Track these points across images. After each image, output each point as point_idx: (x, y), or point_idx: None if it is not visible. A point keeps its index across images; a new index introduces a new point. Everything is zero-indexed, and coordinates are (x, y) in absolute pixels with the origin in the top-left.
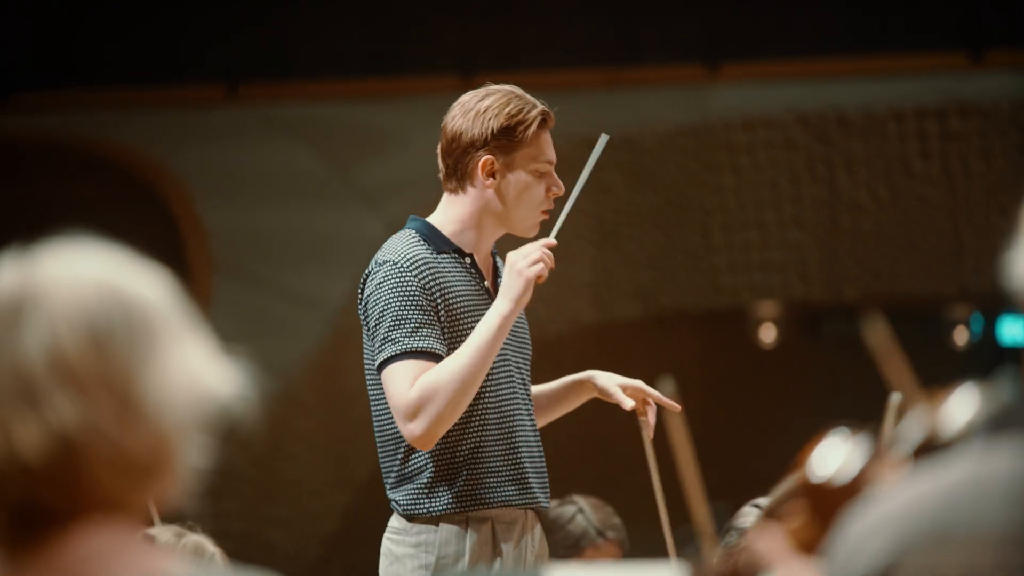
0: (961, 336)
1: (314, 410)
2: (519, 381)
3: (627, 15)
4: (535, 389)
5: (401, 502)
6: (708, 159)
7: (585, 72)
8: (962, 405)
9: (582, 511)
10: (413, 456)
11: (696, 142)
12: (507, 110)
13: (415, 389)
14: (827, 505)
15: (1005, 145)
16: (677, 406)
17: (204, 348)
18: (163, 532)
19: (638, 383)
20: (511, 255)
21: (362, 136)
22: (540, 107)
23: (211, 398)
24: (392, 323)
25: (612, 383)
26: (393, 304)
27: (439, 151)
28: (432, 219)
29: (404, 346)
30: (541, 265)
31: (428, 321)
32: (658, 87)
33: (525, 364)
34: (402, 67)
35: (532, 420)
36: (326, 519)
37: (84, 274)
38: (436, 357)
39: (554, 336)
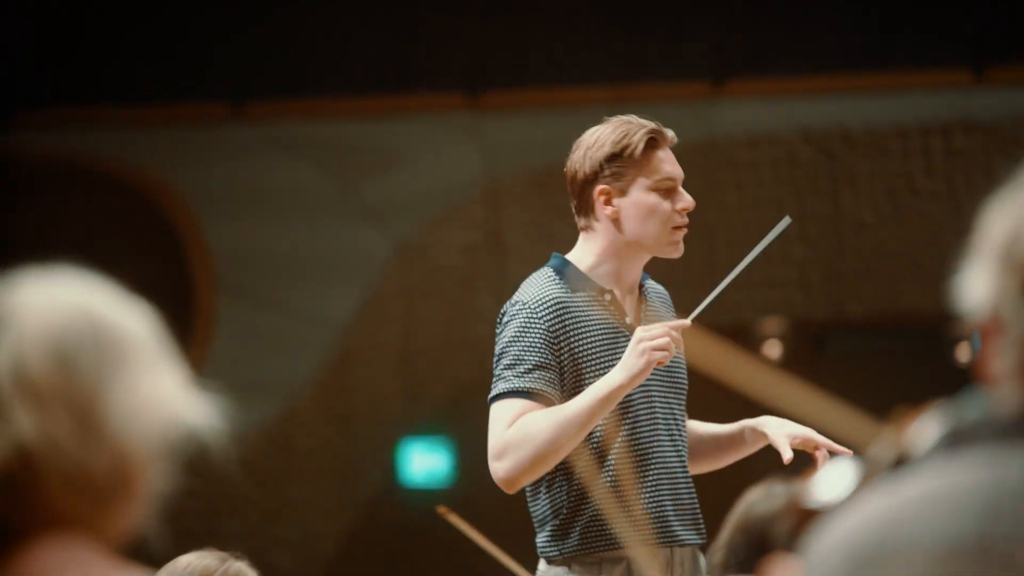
0: (964, 352)
1: (318, 429)
2: (663, 418)
3: (633, 32)
4: (705, 429)
5: (539, 544)
6: (712, 176)
7: (591, 89)
8: (931, 424)
9: None
10: (548, 498)
11: (701, 158)
12: (612, 138)
13: (511, 430)
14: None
15: (1008, 162)
16: (848, 451)
17: (176, 377)
18: (207, 557)
19: (807, 432)
20: (639, 331)
21: (368, 154)
22: (649, 127)
23: (178, 425)
24: (509, 362)
25: (781, 433)
26: (514, 344)
27: (568, 193)
28: (571, 256)
29: (513, 385)
30: (664, 352)
31: (545, 364)
32: (663, 104)
33: (676, 402)
34: (409, 85)
35: (680, 457)
36: (329, 540)
37: (60, 297)
38: (545, 400)
39: None
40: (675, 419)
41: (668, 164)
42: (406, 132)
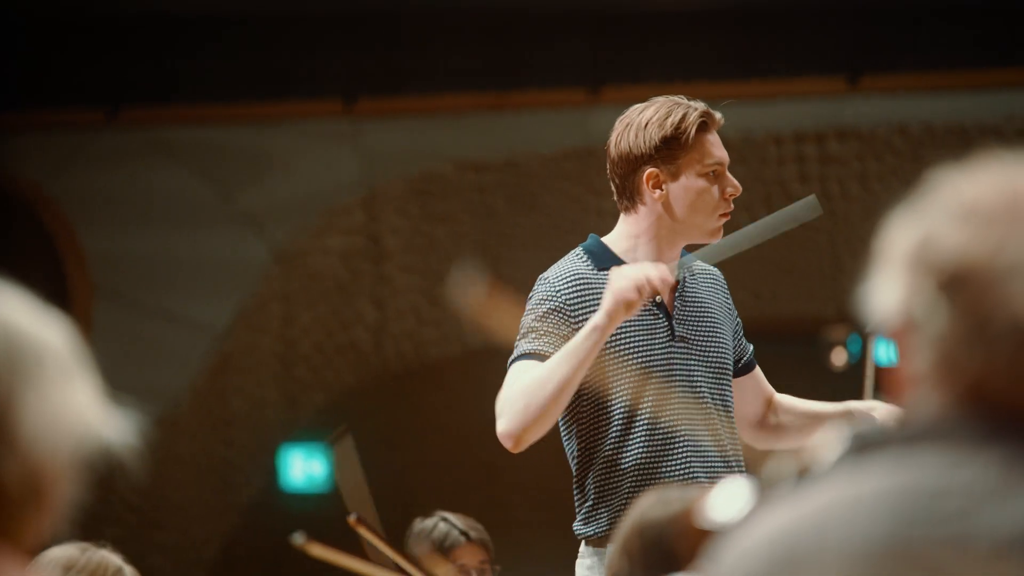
0: (839, 357)
1: (197, 435)
2: (695, 399)
3: (511, 40)
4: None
5: (576, 526)
6: (591, 182)
7: (468, 96)
8: (833, 436)
9: (445, 519)
10: (585, 480)
11: (579, 165)
12: (667, 120)
13: (505, 389)
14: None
15: (881, 169)
16: None
17: (90, 388)
18: (69, 548)
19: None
20: (620, 269)
21: (246, 160)
22: (700, 109)
23: (91, 437)
24: (523, 332)
25: (874, 411)
26: (530, 314)
27: (608, 172)
28: (607, 237)
29: (521, 351)
30: (636, 295)
31: (557, 333)
32: (540, 111)
33: (712, 383)
34: (286, 92)
35: (716, 439)
36: (209, 544)
37: None
38: (545, 359)
39: (441, 359)
40: (711, 400)
41: (718, 148)
42: (284, 138)
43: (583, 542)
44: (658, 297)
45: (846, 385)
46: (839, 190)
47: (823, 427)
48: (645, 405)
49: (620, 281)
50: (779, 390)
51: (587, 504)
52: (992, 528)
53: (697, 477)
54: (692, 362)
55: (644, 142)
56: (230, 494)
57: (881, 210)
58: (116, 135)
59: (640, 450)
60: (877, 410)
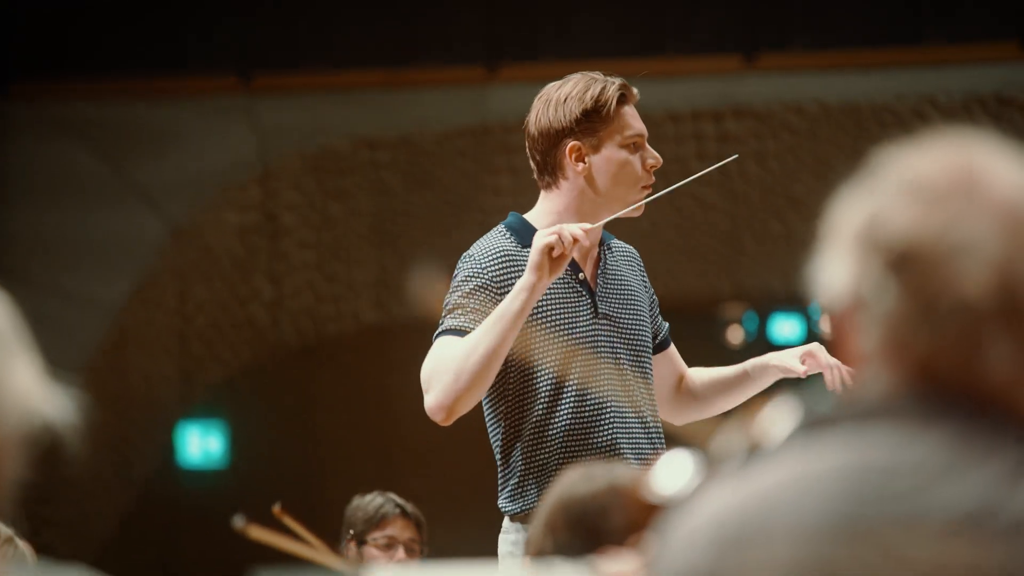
0: (735, 334)
1: (93, 411)
2: (618, 376)
3: (407, 16)
4: (708, 374)
5: (501, 502)
6: (486, 160)
7: (365, 73)
8: (778, 410)
9: (384, 494)
10: (510, 455)
11: (475, 143)
12: (586, 93)
13: (431, 362)
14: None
15: (778, 147)
16: (847, 374)
17: (33, 368)
18: None
19: (813, 347)
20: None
21: (142, 136)
22: (619, 83)
23: (35, 416)
24: (448, 309)
25: (787, 356)
26: (455, 292)
27: (528, 150)
28: (528, 215)
29: (446, 326)
30: (554, 237)
31: (484, 310)
32: (436, 88)
33: (634, 361)
34: (182, 67)
35: (639, 415)
36: (104, 520)
37: None
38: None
39: (335, 335)
40: (633, 376)
41: (637, 121)
42: (180, 114)
43: (507, 518)
44: (581, 274)
45: (742, 362)
46: (736, 168)
47: (737, 390)
48: (571, 380)
49: (540, 235)
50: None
51: (513, 480)
52: (944, 505)
53: (623, 452)
54: (615, 338)
55: (564, 116)
56: (126, 470)
57: (778, 188)
58: (8, 110)
59: (567, 425)
60: (774, 356)
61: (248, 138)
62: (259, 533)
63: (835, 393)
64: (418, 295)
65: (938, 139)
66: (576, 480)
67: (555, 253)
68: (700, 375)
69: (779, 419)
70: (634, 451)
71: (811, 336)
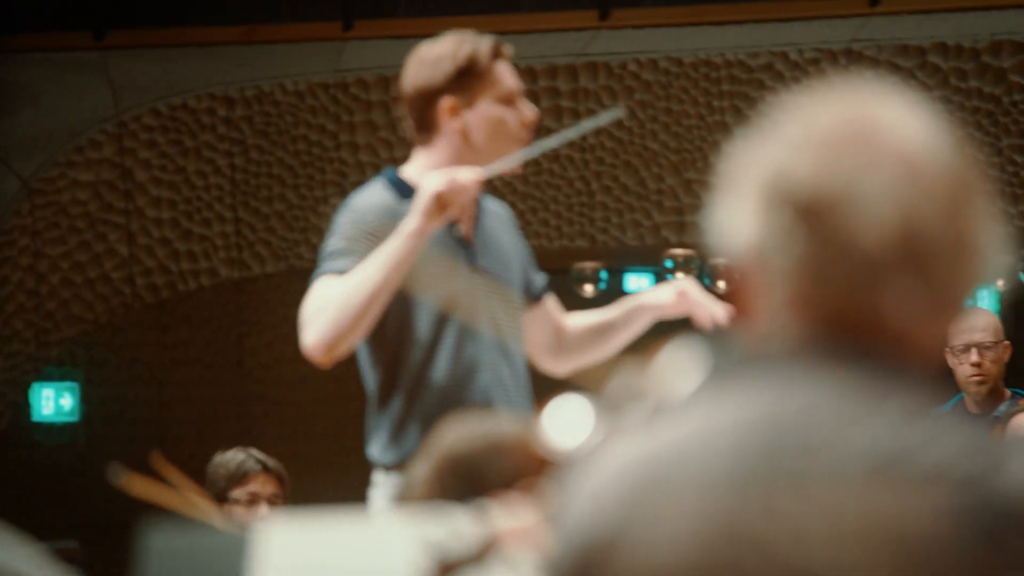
0: (589, 289)
1: None
2: (492, 329)
3: None
4: (583, 321)
5: (373, 453)
6: (343, 116)
7: (221, 29)
8: (679, 360)
9: (244, 450)
10: (385, 406)
11: (331, 99)
12: (459, 51)
13: (312, 301)
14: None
15: (631, 102)
16: (719, 316)
17: None
18: None
19: (684, 286)
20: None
21: None
22: (491, 39)
23: None
24: (329, 253)
25: (659, 295)
26: (338, 238)
27: (404, 110)
28: (403, 170)
29: (328, 268)
30: (446, 183)
31: (365, 254)
32: (295, 44)
33: (507, 315)
34: (35, 23)
35: (513, 368)
36: None
37: None
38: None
39: (193, 291)
40: (506, 331)
41: (510, 76)
42: (34, 71)
43: (379, 470)
44: (457, 228)
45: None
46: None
47: (614, 335)
48: (448, 332)
49: (430, 180)
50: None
51: (387, 429)
52: (861, 453)
53: (496, 404)
54: (490, 294)
55: (439, 74)
56: None
57: (632, 145)
58: None
59: (443, 376)
60: (647, 294)
61: (103, 95)
62: (140, 486)
63: (737, 342)
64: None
65: (836, 90)
66: (460, 430)
67: (446, 199)
68: (577, 323)
69: (682, 369)
70: (507, 403)
71: None
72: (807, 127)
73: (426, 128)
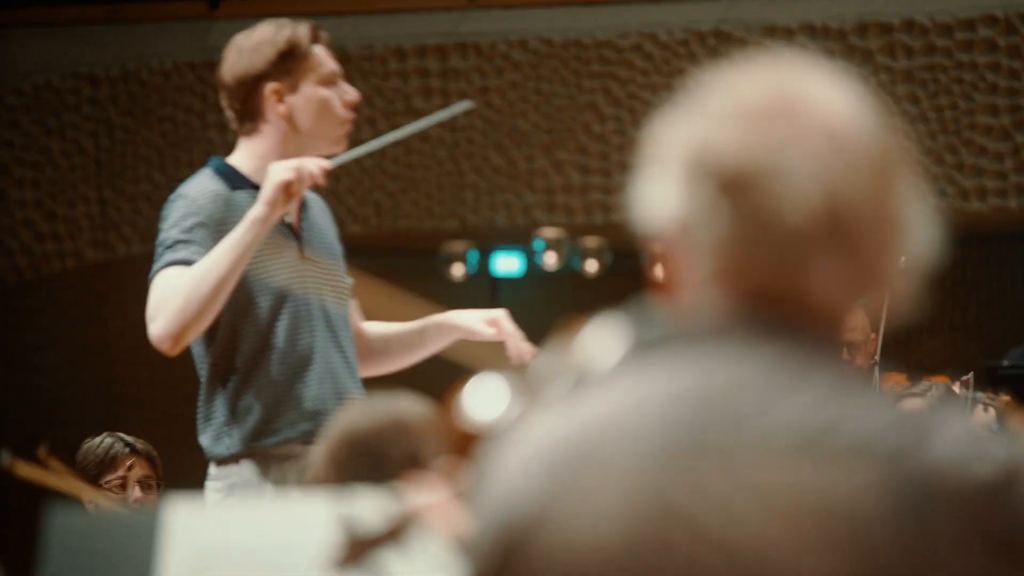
0: (458, 269)
1: None
2: (324, 319)
3: None
4: (388, 328)
5: (205, 445)
6: (210, 96)
7: (85, 8)
8: (602, 335)
9: (113, 434)
10: (212, 396)
11: (198, 79)
12: (278, 36)
13: (157, 291)
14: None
15: (501, 83)
16: (531, 351)
17: None
18: None
19: (498, 315)
20: (275, 164)
21: None
22: (308, 24)
23: None
24: (167, 245)
25: (472, 319)
26: (175, 229)
27: (224, 101)
28: (231, 159)
29: (168, 259)
30: (293, 173)
31: (206, 246)
32: (159, 23)
33: (339, 305)
34: None
35: (345, 358)
36: None
37: None
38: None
39: (57, 272)
40: (338, 321)
41: (329, 59)
42: None
43: (213, 464)
44: (288, 217)
45: (466, 297)
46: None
47: (415, 348)
48: (282, 321)
49: (277, 169)
50: (400, 304)
51: (219, 420)
52: (785, 427)
53: (328, 397)
54: (321, 283)
55: (261, 59)
56: None
57: (502, 125)
58: None
59: (277, 366)
60: (459, 316)
61: None
62: (27, 470)
63: (662, 317)
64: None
65: (759, 64)
66: (358, 412)
67: (293, 189)
68: (376, 330)
69: (606, 344)
70: (339, 393)
71: (532, 269)
72: (731, 101)
73: (251, 116)
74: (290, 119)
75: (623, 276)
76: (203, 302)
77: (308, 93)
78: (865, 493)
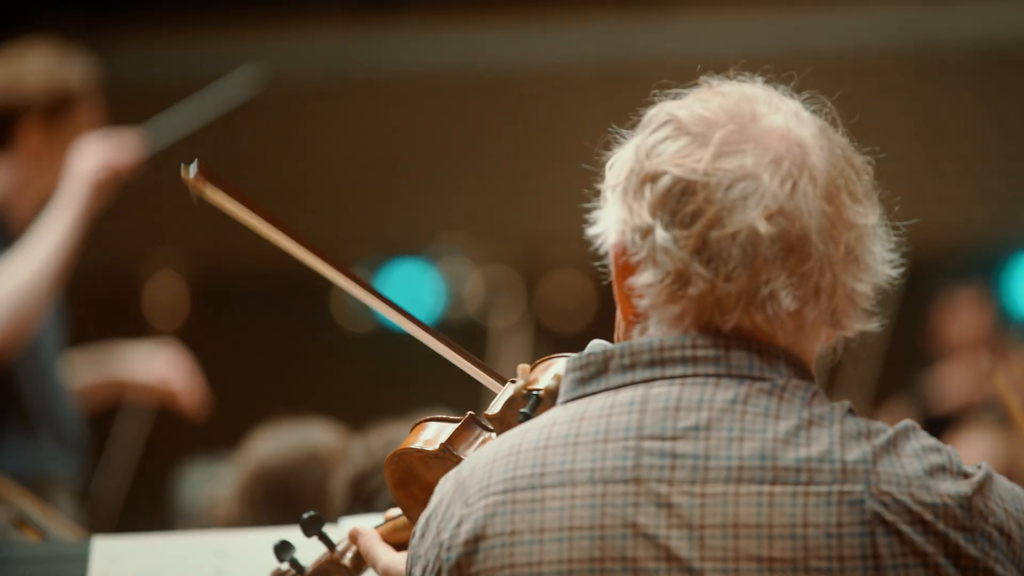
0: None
1: None
2: (54, 350)
3: None
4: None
5: None
6: None
7: None
8: (549, 364)
9: None
10: None
11: None
12: (45, 67)
13: None
14: (427, 477)
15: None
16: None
17: None
18: None
19: (173, 358)
20: (82, 150)
21: None
22: (71, 56)
23: None
24: None
25: (142, 371)
26: None
27: None
28: None
29: None
30: (100, 165)
31: None
32: None
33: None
34: None
35: (64, 381)
36: None
37: None
38: None
39: None
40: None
41: (86, 89)
42: None
43: None
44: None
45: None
46: (344, 134)
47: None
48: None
49: (84, 163)
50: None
51: None
52: (728, 452)
53: (60, 429)
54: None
55: (25, 89)
56: None
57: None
58: None
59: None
60: (141, 368)
61: None
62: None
63: (609, 339)
64: None
65: (708, 86)
66: (270, 444)
67: (107, 185)
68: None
69: (555, 369)
70: (71, 418)
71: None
72: (676, 124)
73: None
74: (42, 149)
75: None
76: (23, 308)
77: (62, 125)
78: (814, 513)
